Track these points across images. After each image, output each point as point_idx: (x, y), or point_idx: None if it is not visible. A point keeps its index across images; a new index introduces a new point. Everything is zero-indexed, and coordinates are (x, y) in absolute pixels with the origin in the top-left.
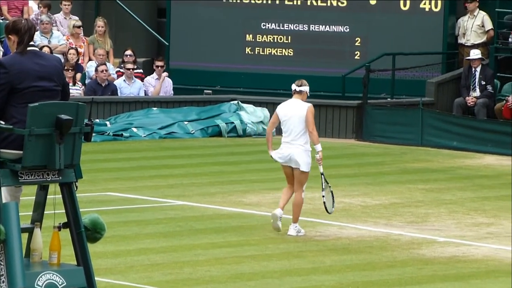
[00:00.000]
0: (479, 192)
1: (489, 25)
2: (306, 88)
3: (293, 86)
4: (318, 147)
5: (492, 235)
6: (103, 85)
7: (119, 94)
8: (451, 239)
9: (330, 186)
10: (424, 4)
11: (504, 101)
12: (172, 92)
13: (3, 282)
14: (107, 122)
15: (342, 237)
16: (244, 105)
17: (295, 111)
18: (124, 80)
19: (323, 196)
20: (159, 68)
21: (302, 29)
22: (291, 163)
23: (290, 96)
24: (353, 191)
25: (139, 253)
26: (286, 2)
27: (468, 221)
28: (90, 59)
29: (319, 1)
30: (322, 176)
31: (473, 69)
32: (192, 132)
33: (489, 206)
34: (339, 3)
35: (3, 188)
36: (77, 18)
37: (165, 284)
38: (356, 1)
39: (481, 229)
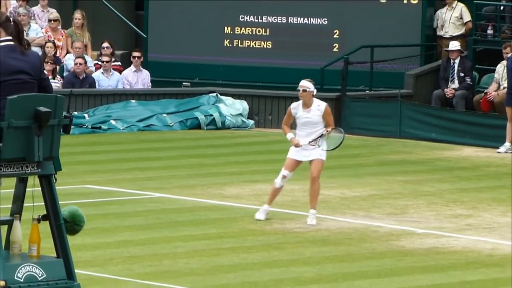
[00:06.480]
0: (457, 183)
1: (467, 17)
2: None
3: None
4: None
5: (471, 226)
6: (81, 78)
7: (97, 86)
8: (430, 230)
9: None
10: None
11: (483, 94)
12: (150, 85)
13: None
14: (86, 115)
15: (321, 229)
16: (223, 98)
17: None
18: (102, 72)
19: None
20: (136, 59)
21: (280, 21)
22: None
23: (268, 88)
24: (332, 183)
25: (119, 246)
26: None
27: (447, 213)
28: (68, 52)
29: None
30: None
31: (452, 61)
32: (171, 124)
33: (468, 197)
34: None
35: None
36: (54, 10)
37: (144, 277)
38: None
39: (460, 220)
